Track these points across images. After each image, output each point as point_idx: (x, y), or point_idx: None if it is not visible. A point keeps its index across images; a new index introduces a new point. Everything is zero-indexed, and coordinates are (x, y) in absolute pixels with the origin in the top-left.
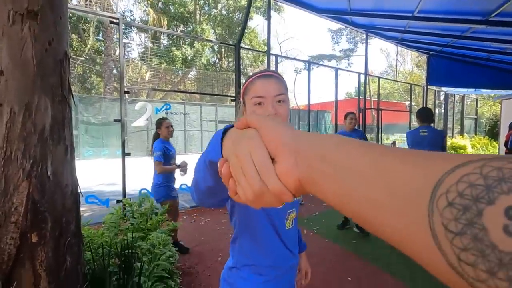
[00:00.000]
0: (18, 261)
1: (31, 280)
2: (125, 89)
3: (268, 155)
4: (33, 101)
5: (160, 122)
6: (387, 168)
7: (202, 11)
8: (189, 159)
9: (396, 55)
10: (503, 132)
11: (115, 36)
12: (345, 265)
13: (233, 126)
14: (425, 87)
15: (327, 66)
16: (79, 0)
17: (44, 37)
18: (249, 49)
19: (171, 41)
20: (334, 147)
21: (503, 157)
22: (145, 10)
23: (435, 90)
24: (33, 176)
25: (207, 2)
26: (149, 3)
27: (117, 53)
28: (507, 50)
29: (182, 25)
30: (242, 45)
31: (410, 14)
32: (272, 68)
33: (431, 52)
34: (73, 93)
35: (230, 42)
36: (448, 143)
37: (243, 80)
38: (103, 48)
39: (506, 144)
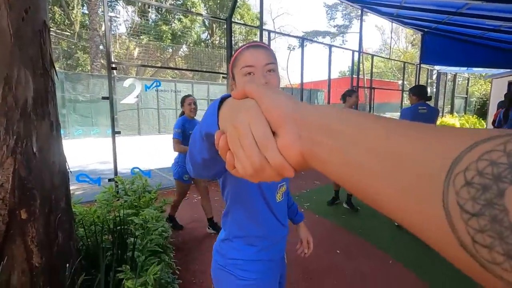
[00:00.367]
0: (9, 238)
1: (23, 256)
2: (113, 65)
3: (269, 127)
4: (12, 74)
5: (183, 99)
6: (399, 143)
7: None
8: None
9: (391, 33)
10: (492, 111)
11: (100, 10)
12: (335, 239)
13: (230, 96)
14: (418, 65)
15: (321, 43)
16: None
17: (19, 5)
18: (241, 23)
19: (159, 15)
20: (339, 119)
21: None
22: None
23: (428, 69)
24: (18, 152)
25: None
26: None
27: (103, 28)
28: (501, 27)
29: None
30: (234, 19)
31: None
32: None
33: (426, 30)
34: (59, 70)
35: (221, 17)
36: (438, 122)
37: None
38: (88, 22)
39: (493, 122)
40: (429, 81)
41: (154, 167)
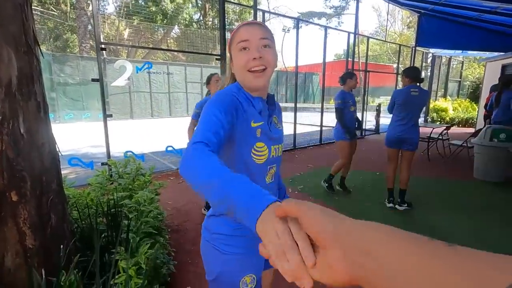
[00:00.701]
0: (0, 220)
1: (16, 238)
2: (102, 46)
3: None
4: None
5: (209, 78)
6: (436, 274)
7: None
8: (174, 123)
9: (387, 15)
10: (484, 95)
11: None
12: None
13: (272, 202)
14: (414, 48)
15: (317, 24)
16: None
17: None
18: (234, 3)
19: None
20: (379, 242)
21: None
22: None
23: (423, 52)
24: (5, 133)
25: None
26: None
27: (90, 7)
28: (497, 9)
29: None
30: None
31: None
32: None
33: (422, 11)
34: (46, 51)
35: None
36: (431, 105)
37: (228, 37)
38: (74, 1)
39: (485, 106)
40: (424, 64)
41: (148, 151)
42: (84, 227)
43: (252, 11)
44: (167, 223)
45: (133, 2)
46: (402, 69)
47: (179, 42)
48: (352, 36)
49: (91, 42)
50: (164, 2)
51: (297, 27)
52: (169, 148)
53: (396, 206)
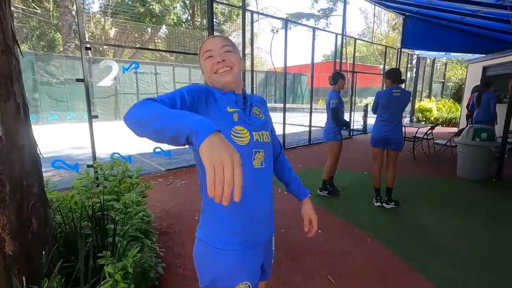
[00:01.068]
0: None
1: None
2: (86, 45)
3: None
4: None
5: None
6: None
7: None
8: None
9: (374, 17)
10: (467, 95)
11: None
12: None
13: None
14: (399, 50)
15: (305, 25)
16: None
17: None
18: (222, 3)
19: None
20: None
21: None
22: None
23: (408, 54)
24: None
25: None
26: None
27: (74, 6)
28: (478, 13)
29: None
30: None
31: None
32: (248, 26)
33: (407, 13)
34: (28, 51)
35: None
36: (416, 106)
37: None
38: None
39: (467, 106)
40: (409, 65)
41: (135, 152)
42: (68, 231)
43: (240, 12)
44: (155, 225)
45: (120, 0)
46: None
47: (167, 42)
48: (339, 37)
49: (76, 41)
50: (152, 3)
51: (285, 28)
52: (157, 150)
53: (384, 204)
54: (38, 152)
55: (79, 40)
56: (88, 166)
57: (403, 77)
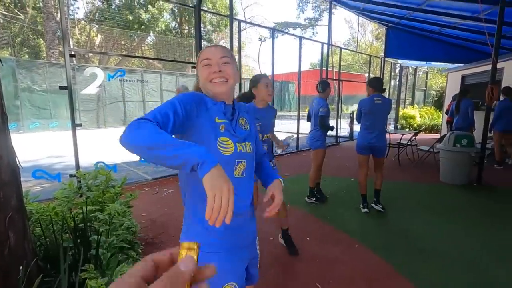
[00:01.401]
0: None
1: None
2: (71, 52)
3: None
4: None
5: (257, 79)
6: None
7: None
8: None
9: (358, 27)
10: (447, 103)
11: None
12: (305, 226)
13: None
14: (383, 59)
15: (292, 34)
16: None
17: None
18: (210, 11)
19: (123, 1)
20: None
21: None
22: None
23: (391, 63)
24: None
25: None
26: None
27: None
28: (456, 24)
29: None
30: (204, 8)
31: None
32: (236, 34)
33: (389, 24)
34: (9, 57)
35: (190, 4)
36: (400, 113)
37: (204, 45)
38: (41, 4)
39: (447, 112)
40: (392, 74)
41: (121, 161)
42: (49, 244)
43: (229, 21)
44: (141, 236)
45: (106, 7)
46: None
47: (156, 50)
48: (325, 46)
49: (60, 49)
50: (140, 13)
51: (272, 36)
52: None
53: (372, 204)
54: (17, 162)
55: (63, 47)
56: (70, 175)
57: (386, 86)
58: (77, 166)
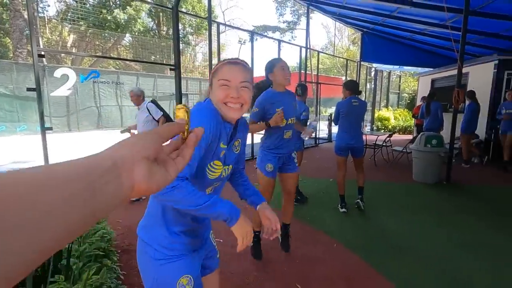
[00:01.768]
0: None
1: None
2: (40, 52)
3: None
4: None
5: (272, 64)
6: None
7: None
8: (125, 135)
9: (335, 31)
10: (418, 105)
11: None
12: None
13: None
14: (358, 63)
15: (271, 37)
16: None
17: None
18: (188, 13)
19: (96, 0)
20: None
21: None
22: None
23: (367, 66)
24: None
25: None
26: None
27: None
28: (425, 31)
29: None
30: (183, 9)
31: None
32: (214, 37)
33: (365, 30)
34: None
35: (168, 5)
36: (376, 115)
37: (182, 47)
38: (7, 1)
39: (413, 116)
40: (368, 77)
41: None
42: None
43: (207, 23)
44: (117, 243)
45: (80, 6)
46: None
47: (133, 50)
48: (304, 50)
49: (29, 48)
50: (117, 13)
51: (252, 40)
52: None
53: (358, 200)
54: None
55: (31, 46)
56: None
57: (362, 89)
58: None
